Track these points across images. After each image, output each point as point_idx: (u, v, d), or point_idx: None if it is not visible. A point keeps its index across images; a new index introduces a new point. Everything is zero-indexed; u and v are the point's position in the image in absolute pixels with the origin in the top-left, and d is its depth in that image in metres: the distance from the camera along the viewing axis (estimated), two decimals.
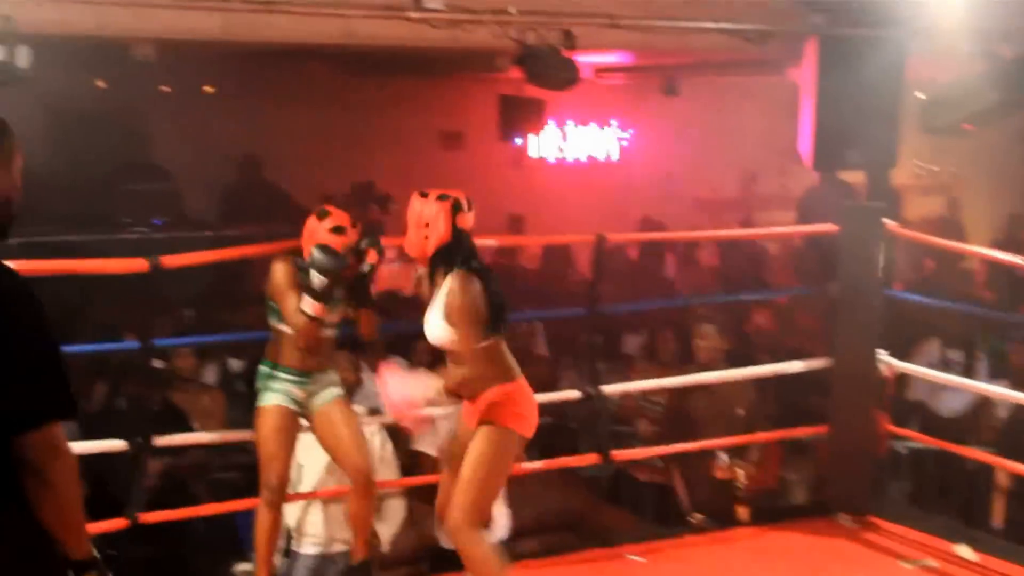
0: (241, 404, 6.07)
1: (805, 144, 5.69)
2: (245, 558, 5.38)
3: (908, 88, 5.73)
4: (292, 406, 4.41)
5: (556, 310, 7.24)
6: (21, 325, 2.29)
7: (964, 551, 5.04)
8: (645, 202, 11.60)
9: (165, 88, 9.74)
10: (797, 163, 6.10)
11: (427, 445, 5.52)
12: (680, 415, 5.96)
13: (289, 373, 4.40)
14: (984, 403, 6.44)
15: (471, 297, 3.86)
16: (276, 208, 9.93)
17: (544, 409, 4.30)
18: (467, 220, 3.98)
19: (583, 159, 12.44)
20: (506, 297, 4.03)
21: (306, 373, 4.42)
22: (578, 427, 7.15)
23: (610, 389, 5.43)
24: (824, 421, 5.50)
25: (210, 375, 6.57)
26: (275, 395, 4.39)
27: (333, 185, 10.69)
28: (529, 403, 4.06)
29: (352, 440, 4.45)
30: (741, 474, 5.45)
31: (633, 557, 5.09)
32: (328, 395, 4.47)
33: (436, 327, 3.96)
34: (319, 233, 4.28)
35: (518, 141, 11.25)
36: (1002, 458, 5.62)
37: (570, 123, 12.25)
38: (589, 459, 5.32)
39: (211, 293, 7.28)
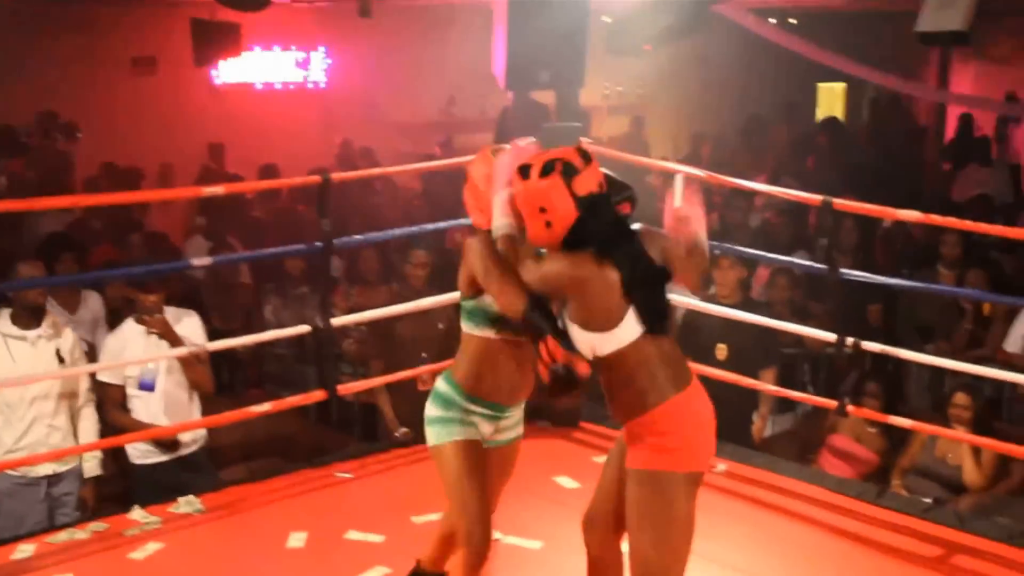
0: None
1: (499, 66, 5.80)
2: None
3: (596, 13, 5.95)
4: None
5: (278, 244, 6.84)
6: None
7: None
8: (347, 127, 11.62)
9: None
10: (496, 87, 6.22)
11: None
12: (385, 334, 5.99)
13: (483, 406, 3.43)
14: None
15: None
16: None
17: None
18: (589, 180, 3.13)
19: (286, 84, 12.28)
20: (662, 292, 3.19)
21: (505, 407, 3.47)
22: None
23: (339, 321, 5.31)
24: None
25: None
26: (462, 428, 3.40)
27: (17, 116, 10.08)
28: (693, 424, 3.16)
29: (503, 485, 3.67)
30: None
31: (341, 475, 5.17)
32: (514, 435, 3.59)
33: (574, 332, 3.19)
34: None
35: (214, 66, 10.93)
36: None
37: (273, 48, 12.04)
38: (316, 397, 5.13)
39: None
